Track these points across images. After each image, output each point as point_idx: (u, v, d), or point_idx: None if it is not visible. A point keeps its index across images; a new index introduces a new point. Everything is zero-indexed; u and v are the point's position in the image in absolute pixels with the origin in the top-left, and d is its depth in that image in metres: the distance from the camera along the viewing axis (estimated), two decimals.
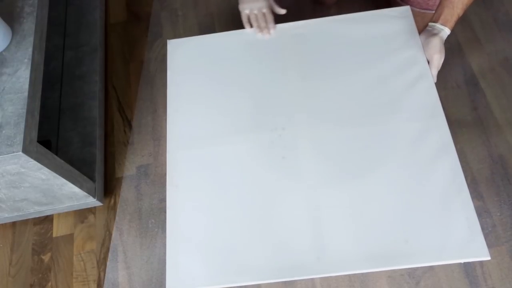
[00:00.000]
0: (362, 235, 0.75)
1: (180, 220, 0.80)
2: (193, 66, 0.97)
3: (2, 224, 1.20)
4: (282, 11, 0.99)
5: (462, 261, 0.72)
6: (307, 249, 0.74)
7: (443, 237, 0.72)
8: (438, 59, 0.87)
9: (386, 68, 0.89)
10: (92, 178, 1.14)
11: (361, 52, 0.92)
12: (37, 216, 1.15)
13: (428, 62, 0.88)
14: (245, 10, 0.98)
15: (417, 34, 0.91)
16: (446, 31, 0.87)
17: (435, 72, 0.88)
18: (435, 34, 0.88)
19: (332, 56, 0.93)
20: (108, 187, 1.23)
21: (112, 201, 1.21)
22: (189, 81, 0.95)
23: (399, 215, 0.75)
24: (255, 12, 0.97)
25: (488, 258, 0.70)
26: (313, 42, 0.95)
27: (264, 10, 0.97)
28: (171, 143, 0.88)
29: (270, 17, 0.97)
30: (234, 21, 1.17)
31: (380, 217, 0.76)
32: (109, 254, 1.14)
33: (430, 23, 0.90)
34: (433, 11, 1.09)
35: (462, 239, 0.72)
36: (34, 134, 0.84)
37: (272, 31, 0.97)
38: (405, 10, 0.96)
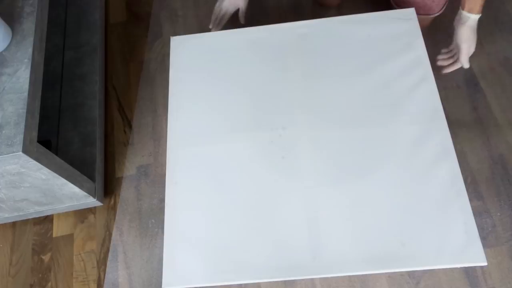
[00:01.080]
0: (359, 237, 0.74)
1: (178, 217, 0.80)
2: (195, 63, 0.97)
3: (2, 224, 1.20)
4: (242, 22, 1.14)
5: (458, 266, 0.72)
6: (304, 249, 0.75)
7: (440, 241, 0.72)
8: (466, 48, 0.93)
9: (389, 70, 0.89)
10: (92, 178, 1.14)
11: (364, 53, 0.92)
12: (37, 216, 1.15)
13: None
14: (221, 7, 1.13)
15: (421, 36, 0.91)
16: (473, 18, 0.91)
17: (464, 58, 0.94)
18: (462, 24, 0.92)
19: (335, 57, 0.92)
20: (108, 187, 1.23)
21: (112, 201, 1.21)
22: (191, 78, 0.95)
23: (397, 217, 0.75)
24: (223, 13, 1.13)
25: (485, 264, 0.69)
26: (316, 42, 0.95)
27: (223, 13, 1.13)
28: (171, 140, 0.88)
29: (223, 21, 1.14)
30: (234, 21, 1.17)
31: (377, 219, 0.75)
32: (109, 254, 1.14)
33: (461, 11, 0.93)
34: (429, 15, 1.10)
35: (460, 244, 0.72)
36: (34, 134, 0.84)
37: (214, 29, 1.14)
38: (410, 12, 0.95)
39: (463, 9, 0.91)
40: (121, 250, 1.14)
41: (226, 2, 1.11)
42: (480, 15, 0.91)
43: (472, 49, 0.93)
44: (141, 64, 1.42)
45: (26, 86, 0.84)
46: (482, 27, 1.33)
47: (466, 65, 0.93)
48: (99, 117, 1.24)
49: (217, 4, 1.13)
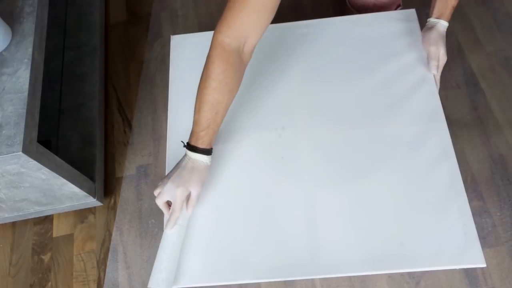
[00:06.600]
0: (359, 237, 0.74)
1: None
2: (195, 62, 0.96)
3: (2, 224, 1.20)
4: (189, 211, 0.77)
5: (457, 267, 0.71)
6: (304, 249, 0.74)
7: (439, 242, 0.72)
8: (434, 51, 0.87)
9: (389, 71, 0.89)
10: (92, 178, 1.14)
11: (364, 53, 0.92)
12: (37, 216, 1.15)
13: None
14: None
15: (421, 37, 0.91)
16: (442, 23, 0.87)
17: (433, 64, 0.87)
18: (430, 28, 0.88)
19: (335, 57, 0.92)
20: (108, 187, 1.23)
21: (112, 201, 1.21)
22: (191, 77, 0.94)
23: (396, 218, 0.75)
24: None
25: (484, 265, 0.69)
26: (316, 42, 0.95)
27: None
28: (171, 140, 0.88)
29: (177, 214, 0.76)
30: None
31: (376, 220, 0.75)
32: (109, 254, 1.14)
33: (428, 19, 0.90)
34: None
35: (459, 245, 0.71)
36: (34, 134, 0.84)
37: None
38: (410, 13, 0.95)
39: (431, 16, 0.88)
40: (121, 250, 1.14)
41: (172, 191, 0.73)
42: (448, 23, 0.87)
43: (442, 56, 0.86)
44: (141, 64, 1.42)
45: (26, 86, 0.84)
46: (482, 27, 1.34)
47: (434, 71, 0.86)
48: (99, 117, 1.24)
49: (158, 199, 0.74)
